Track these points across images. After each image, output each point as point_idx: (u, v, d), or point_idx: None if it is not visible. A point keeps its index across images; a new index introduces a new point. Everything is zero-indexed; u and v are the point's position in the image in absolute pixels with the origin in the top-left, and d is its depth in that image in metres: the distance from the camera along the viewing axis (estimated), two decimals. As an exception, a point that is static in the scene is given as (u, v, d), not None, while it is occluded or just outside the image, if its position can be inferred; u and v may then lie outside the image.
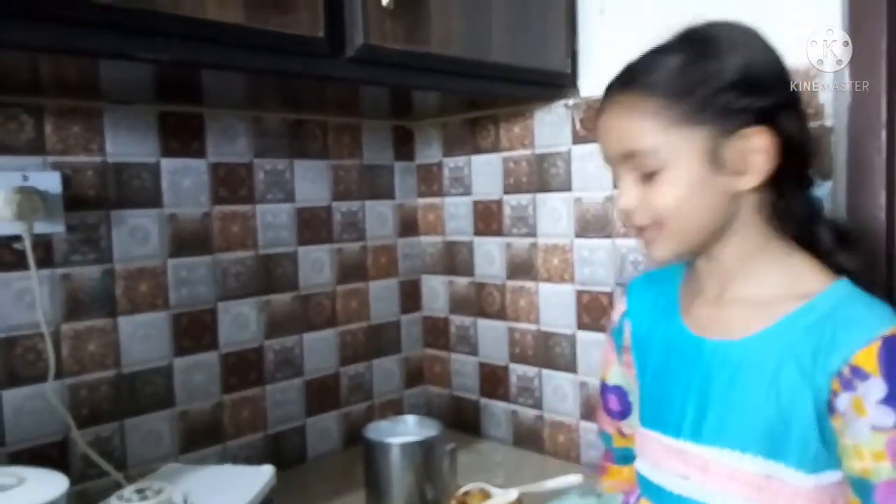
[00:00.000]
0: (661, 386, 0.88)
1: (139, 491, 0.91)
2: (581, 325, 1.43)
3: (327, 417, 1.57)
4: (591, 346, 1.42)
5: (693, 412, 0.82)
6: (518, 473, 1.42)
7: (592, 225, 1.40)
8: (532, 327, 1.52)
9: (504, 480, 1.38)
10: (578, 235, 1.42)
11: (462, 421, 1.66)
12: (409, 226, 1.73)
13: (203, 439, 1.37)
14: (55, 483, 0.71)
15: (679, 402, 0.84)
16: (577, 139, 1.41)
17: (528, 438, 1.54)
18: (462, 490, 1.15)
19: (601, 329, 1.39)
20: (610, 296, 1.37)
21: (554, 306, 1.47)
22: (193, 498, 0.95)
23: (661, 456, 0.86)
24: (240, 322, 1.42)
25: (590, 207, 1.40)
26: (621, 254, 1.35)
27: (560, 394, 1.48)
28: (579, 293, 1.43)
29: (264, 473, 1.08)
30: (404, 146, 1.72)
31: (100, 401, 1.23)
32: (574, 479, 1.08)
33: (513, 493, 1.01)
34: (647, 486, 0.88)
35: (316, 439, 1.55)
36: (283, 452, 1.49)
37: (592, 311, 1.41)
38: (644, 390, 0.91)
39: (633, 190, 0.79)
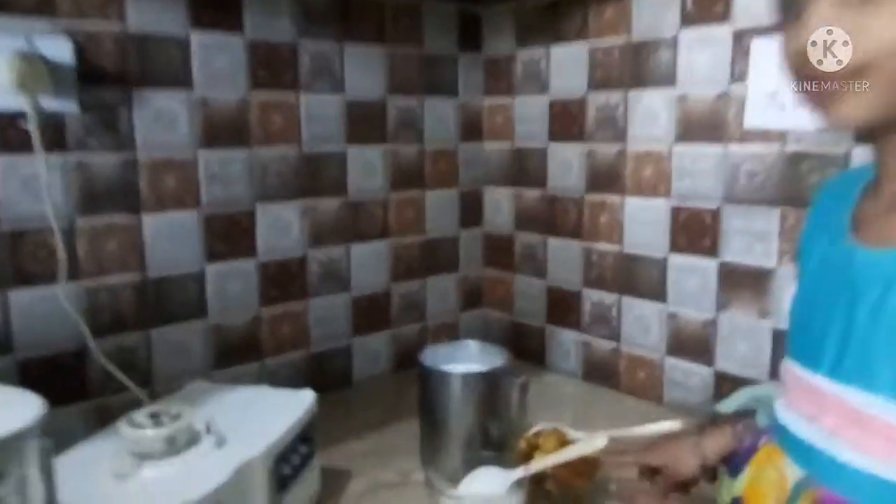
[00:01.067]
0: (808, 309, 0.68)
1: (153, 415, 0.76)
2: (675, 248, 1.21)
3: (376, 338, 1.41)
4: (686, 274, 1.21)
5: (835, 342, 0.62)
6: (589, 412, 1.24)
7: (699, 128, 1.16)
8: (613, 248, 1.31)
9: (573, 419, 1.20)
10: (680, 140, 1.19)
11: (523, 350, 1.49)
12: (472, 128, 1.52)
13: (238, 356, 1.23)
14: (23, 409, 0.54)
15: (820, 329, 0.63)
16: (687, 21, 1.16)
17: (601, 373, 1.36)
18: (534, 430, 0.98)
19: (701, 252, 1.18)
20: (715, 213, 1.15)
21: (642, 224, 1.26)
22: (220, 424, 0.80)
23: (794, 393, 0.67)
24: (280, 228, 1.25)
25: (697, 106, 1.16)
26: (733, 163, 1.12)
27: (642, 325, 1.28)
28: (675, 210, 1.21)
29: (304, 399, 0.93)
30: (471, 35, 1.49)
31: (122, 307, 1.09)
32: (672, 425, 0.90)
33: (600, 440, 0.84)
34: (777, 427, 0.69)
35: (363, 361, 1.40)
36: (327, 374, 1.34)
37: (691, 232, 1.19)
38: (792, 314, 0.71)
39: (830, 16, 0.56)
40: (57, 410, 1.07)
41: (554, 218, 1.41)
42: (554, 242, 1.42)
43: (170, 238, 1.13)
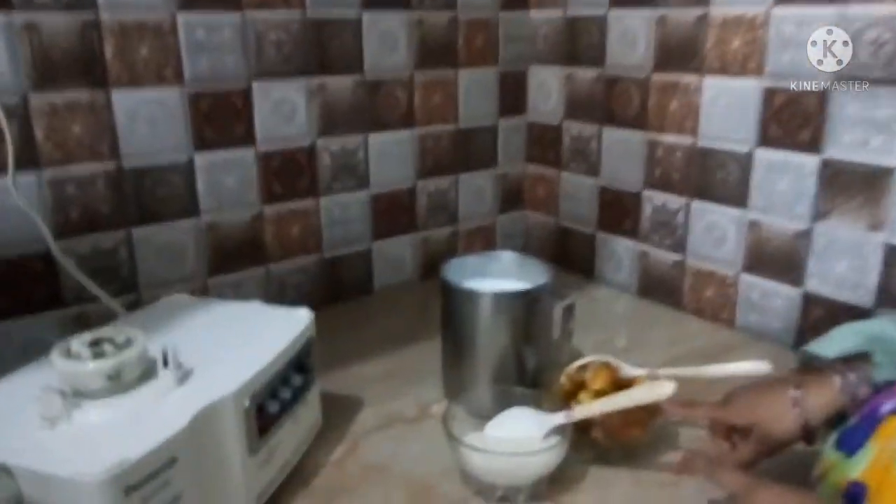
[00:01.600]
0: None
1: (95, 343, 0.60)
2: (765, 141, 0.98)
3: (399, 242, 1.23)
4: (776, 172, 0.98)
5: None
6: (645, 337, 1.05)
7: (809, -17, 0.90)
8: (685, 140, 1.08)
9: (626, 345, 1.02)
10: (781, 1, 0.93)
11: (569, 260, 1.30)
12: (517, -6, 1.27)
13: (239, 260, 1.06)
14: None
15: None
16: None
17: (660, 289, 1.16)
18: (579, 363, 0.81)
19: (799, 147, 0.94)
20: (821, 97, 0.90)
21: (723, 111, 1.02)
22: (188, 352, 0.64)
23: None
24: (283, 111, 1.05)
25: (809, -46, 0.89)
26: (854, 28, 0.86)
27: (715, 234, 1.07)
28: (769, 92, 0.96)
29: (299, 319, 0.76)
30: None
31: (94, 203, 0.92)
32: (759, 367, 0.71)
33: (665, 387, 0.65)
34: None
35: (385, 268, 1.22)
36: (344, 281, 1.18)
37: (787, 120, 0.95)
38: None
39: None
40: (27, 319, 0.94)
41: (612, 103, 1.18)
42: (611, 134, 1.19)
43: (148, 121, 0.94)
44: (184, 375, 0.62)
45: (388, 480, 0.74)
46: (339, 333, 1.05)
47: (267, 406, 0.68)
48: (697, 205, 1.08)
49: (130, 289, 0.97)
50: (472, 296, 0.80)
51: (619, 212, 1.20)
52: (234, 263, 1.06)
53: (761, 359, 0.90)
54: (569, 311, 0.78)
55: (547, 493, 0.70)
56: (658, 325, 1.09)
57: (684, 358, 0.98)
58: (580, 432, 0.72)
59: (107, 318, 0.83)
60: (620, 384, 0.77)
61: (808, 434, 0.63)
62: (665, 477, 0.73)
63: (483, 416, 0.77)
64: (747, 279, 1.04)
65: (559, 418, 0.71)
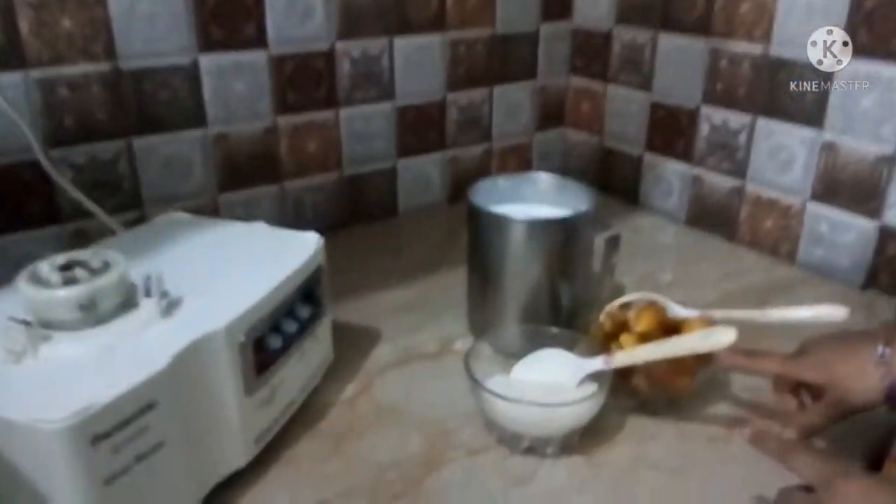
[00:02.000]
0: None
1: (67, 266, 0.52)
2: (856, 48, 0.84)
3: (426, 160, 1.13)
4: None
5: None
6: (695, 269, 0.95)
7: None
8: (754, 49, 0.94)
9: (673, 277, 0.93)
10: None
11: (612, 183, 1.18)
12: None
13: (251, 176, 0.98)
14: None
15: None
16: None
17: (713, 218, 1.05)
18: (621, 300, 0.71)
19: (889, 56, 0.80)
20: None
21: (803, 13, 0.88)
22: (177, 280, 0.56)
23: None
24: (298, 10, 0.94)
25: None
26: None
27: (781, 157, 0.94)
28: (861, -10, 0.82)
29: (307, 244, 0.67)
30: None
31: (90, 107, 0.84)
32: (836, 313, 0.60)
33: (726, 335, 0.56)
34: None
35: (410, 188, 1.13)
36: (365, 202, 1.09)
37: (883, 24, 0.81)
38: None
39: None
40: (21, 235, 0.88)
41: (671, 5, 1.04)
42: (668, 41, 1.06)
43: (146, 16, 0.84)
44: (170, 306, 0.55)
45: (402, 423, 0.67)
46: (359, 258, 0.97)
47: (267, 341, 0.60)
48: (763, 123, 0.95)
49: (133, 205, 0.89)
50: (502, 222, 0.71)
51: (671, 131, 1.08)
52: (246, 180, 0.98)
53: (826, 300, 0.80)
54: (612, 244, 0.68)
55: (579, 445, 0.63)
56: (709, 259, 0.98)
57: (738, 295, 0.88)
58: (619, 378, 0.64)
59: (104, 235, 0.76)
60: (668, 326, 0.68)
61: (894, 399, 0.54)
62: (714, 430, 0.65)
63: (511, 356, 0.69)
64: (815, 209, 0.92)
65: (597, 364, 0.63)
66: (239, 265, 0.64)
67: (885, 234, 0.86)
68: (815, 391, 0.57)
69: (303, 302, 0.66)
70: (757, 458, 0.52)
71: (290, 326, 0.63)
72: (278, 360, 0.61)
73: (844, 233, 0.90)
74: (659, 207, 1.12)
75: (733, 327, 0.57)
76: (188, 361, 0.51)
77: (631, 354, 0.61)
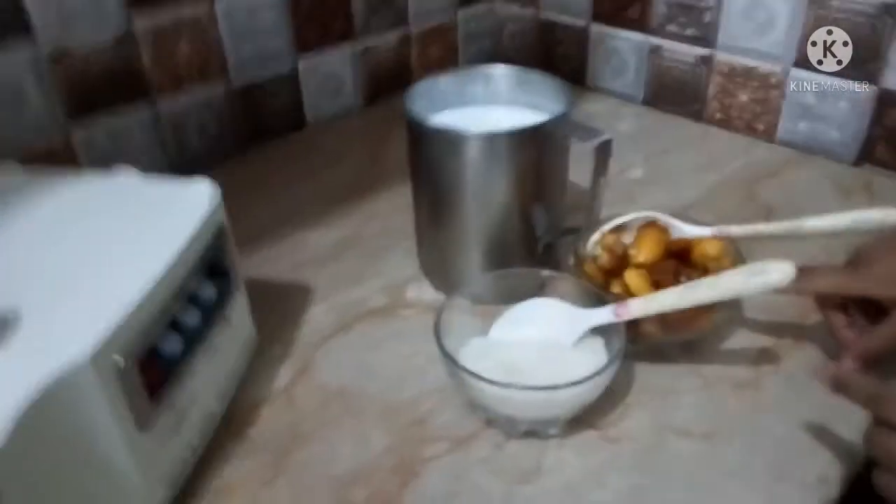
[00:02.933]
0: None
1: None
2: None
3: (333, 57, 0.92)
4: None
5: None
6: (667, 160, 0.82)
7: None
8: None
9: (644, 172, 0.79)
10: None
11: (553, 62, 1.01)
12: None
13: (110, 98, 0.75)
14: None
15: None
16: None
17: (676, 96, 0.90)
18: (612, 224, 0.57)
19: None
20: None
21: None
22: (4, 285, 0.38)
23: None
24: None
25: None
26: None
27: (760, 17, 0.80)
28: None
29: (198, 201, 0.49)
30: None
31: None
32: (891, 214, 0.47)
33: (784, 268, 0.42)
34: None
35: (317, 93, 0.93)
36: (265, 116, 0.88)
37: None
38: None
39: None
40: None
41: None
42: None
43: None
44: (1, 328, 0.37)
45: (359, 413, 0.52)
46: (265, 192, 0.78)
47: (160, 348, 0.43)
48: (736, -23, 0.80)
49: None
50: (453, 139, 0.53)
51: (622, -6, 0.91)
52: (102, 104, 0.75)
53: (819, 179, 0.69)
54: (603, 152, 0.52)
55: (585, 416, 0.50)
56: (680, 145, 0.85)
57: (725, 187, 0.76)
58: (626, 324, 0.50)
59: None
60: (676, 250, 0.54)
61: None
62: (741, 373, 0.53)
63: (486, 308, 0.55)
64: (800, 76, 0.79)
65: (603, 316, 0.49)
66: (102, 247, 0.45)
67: (885, 101, 0.74)
68: (874, 309, 0.46)
69: (204, 280, 0.48)
70: (797, 399, 0.40)
71: (191, 318, 0.46)
72: (179, 369, 0.44)
73: (836, 102, 0.77)
74: (611, 88, 0.97)
75: (788, 261, 0.43)
76: (40, 413, 0.34)
77: (650, 303, 0.47)
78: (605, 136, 0.52)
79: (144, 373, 0.41)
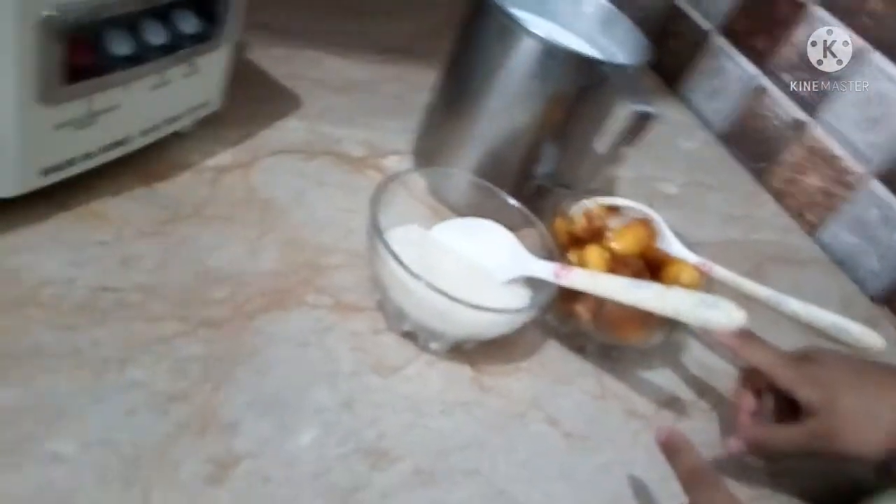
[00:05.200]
0: None
1: None
2: None
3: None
4: None
5: None
6: (707, 198, 0.77)
7: None
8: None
9: (677, 193, 0.74)
10: None
11: (659, 50, 0.95)
12: None
13: None
14: None
15: None
16: None
17: (753, 144, 0.84)
18: (607, 201, 0.53)
19: None
20: None
21: None
22: None
23: None
24: None
25: None
26: None
27: (871, 112, 0.73)
28: None
29: None
30: None
31: None
32: (873, 340, 0.43)
33: (735, 313, 0.37)
34: None
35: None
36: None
37: None
38: None
39: None
40: None
41: None
42: None
43: None
44: None
45: (269, 227, 0.49)
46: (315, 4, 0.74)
47: (105, 40, 0.39)
48: (877, 58, 0.73)
49: None
50: (512, 29, 0.49)
51: (764, 17, 0.84)
52: None
53: (831, 296, 0.65)
54: (640, 123, 0.48)
55: (471, 352, 0.47)
56: (726, 189, 0.79)
57: (737, 247, 0.71)
58: (560, 295, 0.46)
59: None
60: (651, 258, 0.50)
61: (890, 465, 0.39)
62: (643, 405, 0.49)
63: (448, 206, 0.51)
64: (877, 189, 0.73)
65: (543, 270, 0.45)
66: None
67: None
68: (788, 407, 0.43)
69: (189, 8, 0.44)
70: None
71: (155, 35, 0.42)
72: (115, 73, 0.41)
73: (892, 232, 0.72)
74: (697, 105, 0.90)
75: (742, 310, 0.39)
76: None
77: (593, 280, 0.43)
78: (651, 110, 0.47)
79: (72, 50, 0.37)
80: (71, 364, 0.37)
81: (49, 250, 0.41)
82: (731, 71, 0.86)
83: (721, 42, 0.88)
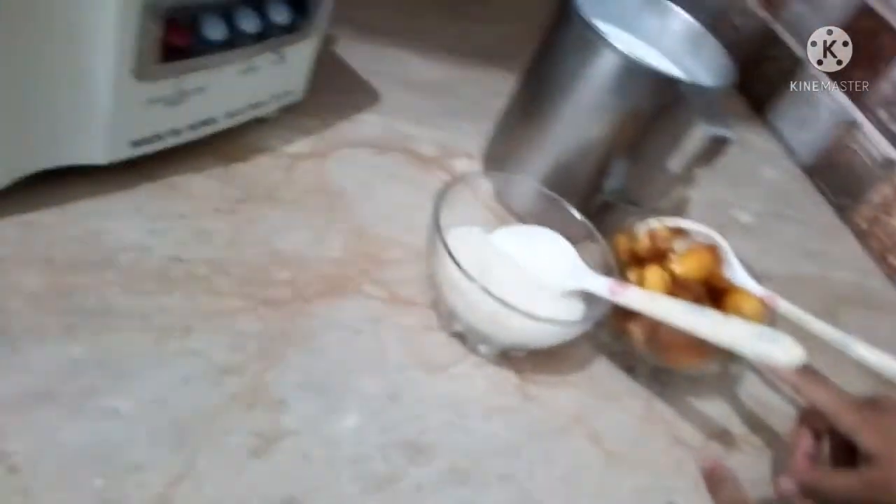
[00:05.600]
0: None
1: None
2: None
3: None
4: None
5: None
6: (783, 230, 0.74)
7: None
8: None
9: (751, 223, 0.72)
10: None
11: (750, 74, 0.92)
12: None
13: None
14: None
15: None
16: None
17: (840, 179, 0.81)
18: (675, 222, 0.52)
19: None
20: None
21: None
22: None
23: None
24: None
25: None
26: None
27: None
28: None
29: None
30: None
31: None
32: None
33: (794, 350, 0.36)
34: None
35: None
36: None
37: None
38: None
39: None
40: None
41: None
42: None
43: None
44: None
45: (335, 217, 0.50)
46: (410, 6, 0.75)
47: (201, 24, 0.42)
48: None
49: None
50: (596, 42, 0.48)
51: (873, 48, 0.80)
52: None
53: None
54: (715, 147, 0.47)
55: (520, 361, 0.47)
56: (805, 224, 0.76)
57: (807, 284, 0.68)
58: (613, 310, 0.46)
59: None
60: (714, 285, 0.49)
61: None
62: (690, 433, 0.48)
63: (512, 212, 0.52)
64: (969, 239, 0.69)
65: (598, 285, 0.45)
66: None
67: None
68: (846, 451, 0.41)
69: (283, 1, 0.46)
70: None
71: (248, 22, 0.44)
72: (206, 56, 0.43)
73: (983, 284, 0.68)
74: (783, 133, 0.87)
75: (800, 346, 0.38)
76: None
77: (649, 300, 0.43)
78: (728, 134, 0.46)
79: (169, 31, 0.39)
80: (137, 327, 0.39)
81: (131, 218, 0.44)
82: (823, 101, 0.83)
83: (815, 71, 0.85)
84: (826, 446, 0.44)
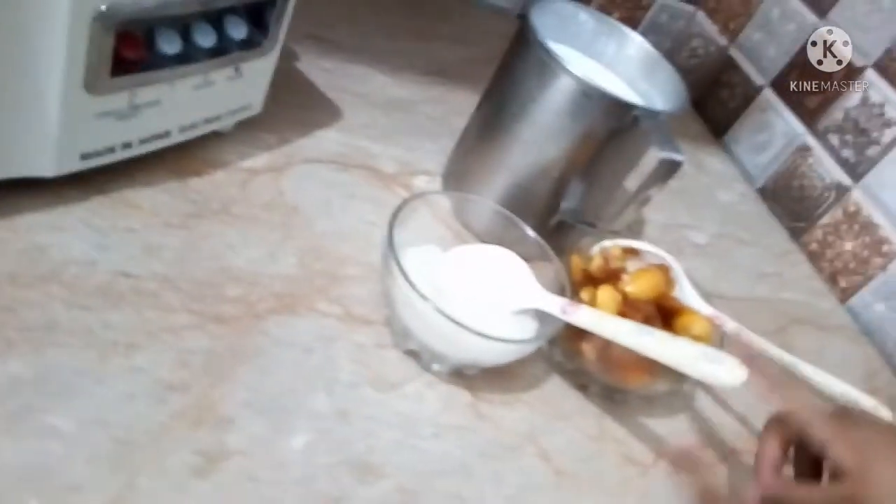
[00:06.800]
0: None
1: None
2: None
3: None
4: None
5: None
6: (738, 253, 0.76)
7: None
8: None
9: (706, 244, 0.74)
10: None
11: (707, 98, 0.94)
12: None
13: None
14: None
15: None
16: None
17: (791, 203, 0.83)
18: (626, 243, 0.53)
19: None
20: None
21: None
22: None
23: None
24: None
25: None
26: None
27: (918, 183, 0.72)
28: None
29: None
30: None
31: None
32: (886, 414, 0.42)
33: (738, 371, 0.36)
34: None
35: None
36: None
37: None
38: None
39: None
40: None
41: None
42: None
43: None
44: None
45: (291, 232, 0.50)
46: (369, 19, 0.76)
47: (157, 38, 0.41)
48: (928, 131, 0.71)
49: None
50: (551, 64, 0.49)
51: (814, 75, 0.82)
52: None
53: (851, 363, 0.63)
54: (664, 170, 0.47)
55: (472, 378, 0.47)
56: (757, 244, 0.78)
57: (762, 307, 0.69)
58: (564, 329, 0.46)
59: None
60: (665, 306, 0.50)
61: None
62: (640, 452, 0.49)
63: (470, 231, 0.52)
64: (914, 263, 0.71)
65: (551, 305, 0.45)
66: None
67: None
68: (813, 467, 0.41)
69: (241, 16, 0.46)
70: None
71: (205, 37, 0.44)
72: (160, 70, 0.43)
73: (928, 307, 0.70)
74: (740, 158, 0.89)
75: (745, 368, 0.39)
76: None
77: (599, 320, 0.43)
78: (678, 158, 0.47)
79: (122, 44, 0.39)
80: (80, 343, 0.38)
81: (79, 231, 0.43)
82: (778, 126, 0.85)
83: (770, 96, 0.87)
84: (791, 457, 0.44)
